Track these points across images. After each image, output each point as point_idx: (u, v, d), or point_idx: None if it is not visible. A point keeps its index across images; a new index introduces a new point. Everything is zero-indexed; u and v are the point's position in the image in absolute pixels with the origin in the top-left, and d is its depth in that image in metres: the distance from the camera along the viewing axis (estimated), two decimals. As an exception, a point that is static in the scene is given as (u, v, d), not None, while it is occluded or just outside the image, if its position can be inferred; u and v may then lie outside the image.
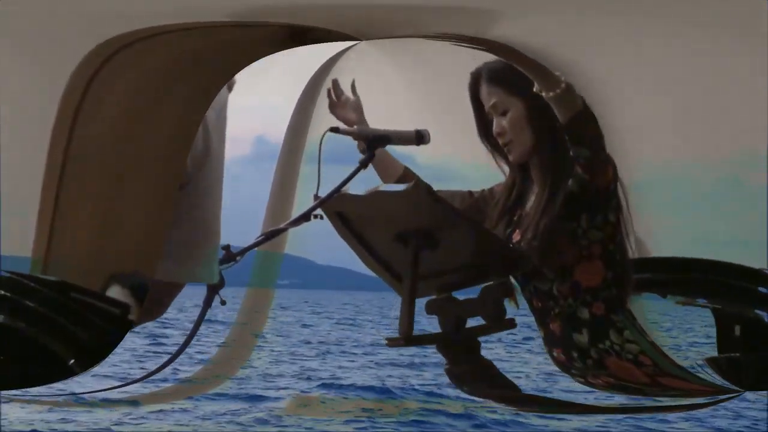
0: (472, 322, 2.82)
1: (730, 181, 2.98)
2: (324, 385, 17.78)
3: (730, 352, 2.96)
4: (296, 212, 3.21)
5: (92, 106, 2.75)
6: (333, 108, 3.15)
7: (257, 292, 3.59)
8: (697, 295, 3.08)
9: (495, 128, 2.92)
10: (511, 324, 2.74)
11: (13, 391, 2.91)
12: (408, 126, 3.00)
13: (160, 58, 2.82)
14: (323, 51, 3.27)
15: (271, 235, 3.01)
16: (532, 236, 2.81)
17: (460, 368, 2.89)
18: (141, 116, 2.81)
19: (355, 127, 3.00)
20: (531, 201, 2.91)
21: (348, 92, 3.14)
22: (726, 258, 2.99)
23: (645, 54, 2.79)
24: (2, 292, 2.67)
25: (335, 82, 3.15)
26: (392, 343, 2.71)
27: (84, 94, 2.74)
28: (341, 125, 2.98)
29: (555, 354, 2.94)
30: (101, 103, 2.77)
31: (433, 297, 2.80)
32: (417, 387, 17.40)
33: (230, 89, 3.09)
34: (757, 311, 3.00)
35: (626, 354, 2.85)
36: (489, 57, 2.91)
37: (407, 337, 2.65)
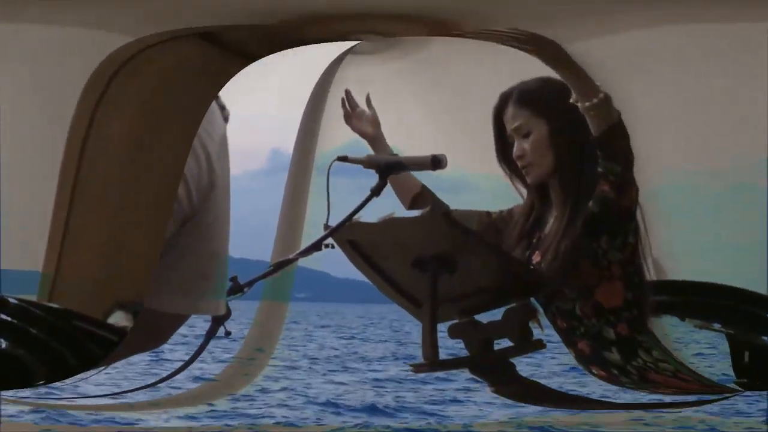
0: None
1: (737, 187, 2.96)
2: (312, 402, 17.54)
3: (740, 378, 2.95)
4: (309, 223, 3.20)
5: (100, 126, 2.77)
6: (348, 119, 3.10)
7: (270, 306, 3.54)
8: (713, 320, 3.06)
9: (515, 151, 2.86)
10: (540, 345, 2.69)
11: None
12: (409, 129, 2.96)
13: (158, 70, 2.83)
14: (327, 53, 3.25)
15: (279, 266, 2.95)
16: (553, 258, 2.77)
17: (506, 389, 2.86)
18: (145, 133, 2.83)
19: (366, 155, 2.92)
20: (550, 223, 2.86)
21: (363, 105, 3.10)
22: (732, 264, 2.98)
23: (655, 59, 2.79)
24: (10, 319, 2.74)
25: (348, 93, 3.11)
26: (418, 369, 2.67)
27: (93, 114, 2.77)
28: (353, 149, 2.93)
29: (595, 371, 2.89)
30: (106, 126, 2.80)
31: (456, 321, 2.75)
32: (409, 405, 17.24)
33: (226, 120, 3.05)
34: (765, 338, 3.01)
35: (664, 372, 2.84)
36: (495, 60, 2.91)
37: (433, 362, 2.60)
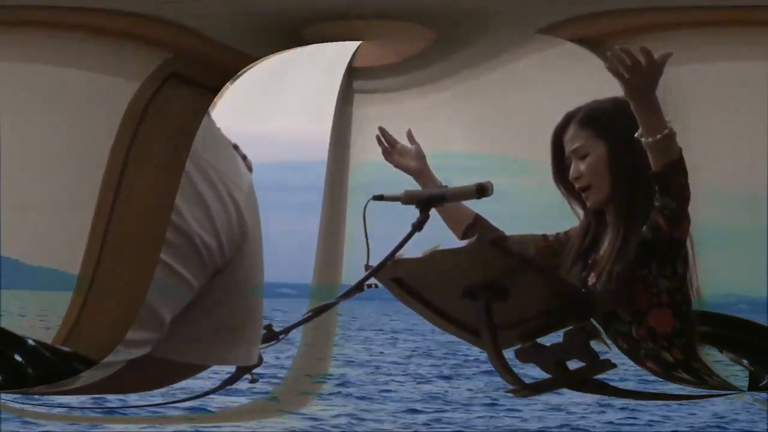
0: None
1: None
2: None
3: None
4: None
5: (129, 180, 2.76)
6: (388, 156, 3.04)
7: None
8: (744, 356, 3.06)
9: (572, 173, 2.83)
10: (610, 365, 2.63)
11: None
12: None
13: (167, 116, 2.79)
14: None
15: (318, 312, 2.84)
16: (607, 280, 2.72)
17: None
18: (168, 182, 2.77)
19: (404, 191, 2.79)
20: (605, 245, 2.82)
21: (404, 140, 3.03)
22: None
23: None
24: (20, 359, 2.72)
25: (383, 130, 3.04)
26: (517, 393, 2.62)
27: (124, 165, 2.73)
28: (391, 184, 2.86)
29: (680, 383, 2.86)
30: (135, 178, 2.77)
31: (519, 346, 2.68)
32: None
33: (250, 170, 3.00)
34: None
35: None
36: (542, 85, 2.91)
37: (526, 387, 2.56)
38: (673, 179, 2.59)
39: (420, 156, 3.01)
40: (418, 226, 2.70)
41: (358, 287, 2.72)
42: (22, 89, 2.78)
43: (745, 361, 3.05)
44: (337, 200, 3.31)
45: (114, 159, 2.72)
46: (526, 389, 2.60)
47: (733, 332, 3.03)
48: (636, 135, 2.59)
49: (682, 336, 2.76)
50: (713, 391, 2.95)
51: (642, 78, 2.50)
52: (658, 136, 2.55)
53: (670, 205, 2.63)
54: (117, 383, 2.82)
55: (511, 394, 2.65)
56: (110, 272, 2.70)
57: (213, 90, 2.84)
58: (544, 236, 2.96)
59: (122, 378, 2.79)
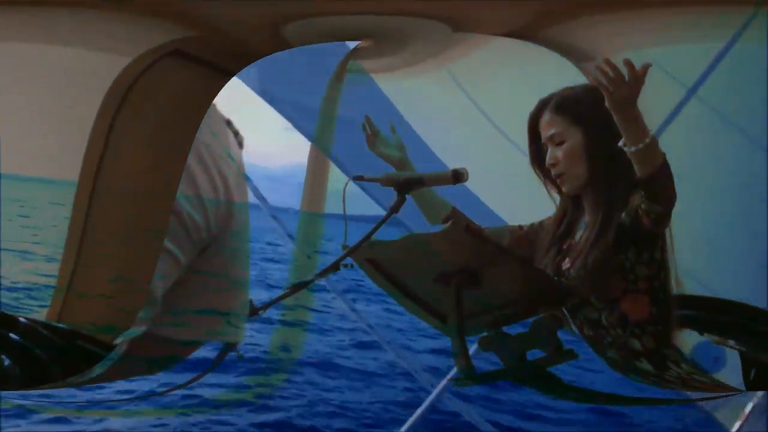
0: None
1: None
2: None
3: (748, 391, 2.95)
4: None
5: (114, 148, 2.72)
6: (371, 144, 2.99)
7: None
8: (729, 336, 3.02)
9: (548, 159, 2.76)
10: (572, 355, 2.58)
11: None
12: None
13: (159, 91, 2.76)
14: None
15: (297, 288, 2.84)
16: (582, 266, 2.66)
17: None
18: (156, 151, 2.77)
19: (383, 173, 2.80)
20: (580, 231, 2.76)
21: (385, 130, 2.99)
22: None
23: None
24: (19, 339, 2.70)
25: (368, 118, 3.00)
26: (461, 383, 2.56)
27: (107, 136, 2.70)
28: (370, 169, 2.86)
29: (633, 377, 2.76)
30: (120, 147, 2.73)
31: (484, 334, 2.62)
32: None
33: (241, 146, 2.98)
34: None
35: (700, 381, 2.75)
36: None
37: (473, 376, 2.51)
38: (661, 185, 2.53)
39: (400, 147, 2.97)
40: (395, 208, 2.69)
41: (335, 266, 2.71)
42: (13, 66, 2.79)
43: (732, 342, 3.01)
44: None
45: (97, 132, 2.71)
46: (473, 379, 2.58)
47: (715, 314, 2.99)
48: (619, 144, 2.51)
49: (658, 323, 2.69)
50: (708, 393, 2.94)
51: (625, 91, 2.43)
52: (641, 145, 2.47)
53: (657, 210, 2.57)
54: (124, 368, 2.81)
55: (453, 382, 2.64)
56: (96, 247, 2.72)
57: (226, 72, 2.82)
58: (519, 226, 2.91)
59: (129, 361, 2.78)
